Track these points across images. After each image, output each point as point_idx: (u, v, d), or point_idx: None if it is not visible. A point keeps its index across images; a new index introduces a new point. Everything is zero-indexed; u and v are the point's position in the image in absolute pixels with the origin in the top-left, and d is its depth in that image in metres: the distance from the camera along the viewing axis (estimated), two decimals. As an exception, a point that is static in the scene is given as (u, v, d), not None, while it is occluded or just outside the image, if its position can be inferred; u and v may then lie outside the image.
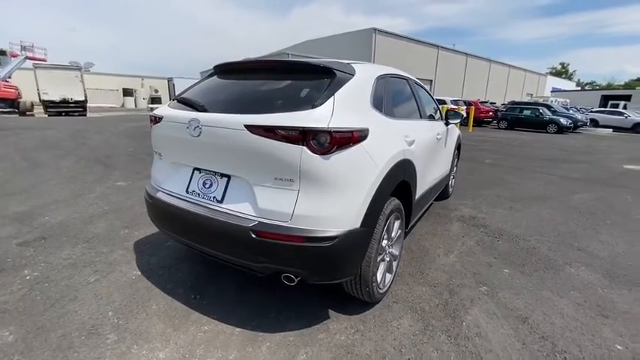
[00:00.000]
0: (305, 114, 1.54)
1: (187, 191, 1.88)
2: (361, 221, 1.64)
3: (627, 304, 2.19)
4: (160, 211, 2.01)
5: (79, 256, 2.54)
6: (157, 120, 2.02)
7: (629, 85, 54.71)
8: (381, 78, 2.16)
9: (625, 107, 25.66)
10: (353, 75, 1.87)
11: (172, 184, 1.98)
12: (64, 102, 17.77)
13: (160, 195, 1.98)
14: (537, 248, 3.01)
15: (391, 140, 1.95)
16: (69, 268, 2.38)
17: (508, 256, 2.84)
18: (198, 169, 1.88)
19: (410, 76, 2.90)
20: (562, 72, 72.61)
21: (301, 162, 1.50)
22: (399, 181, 2.00)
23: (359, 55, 30.58)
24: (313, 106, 1.59)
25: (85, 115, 18.44)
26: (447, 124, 3.52)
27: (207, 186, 1.82)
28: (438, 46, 37.22)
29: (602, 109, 24.01)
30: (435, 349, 1.73)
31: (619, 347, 1.79)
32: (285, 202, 1.56)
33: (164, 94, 35.55)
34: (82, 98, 18.37)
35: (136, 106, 34.97)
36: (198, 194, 1.83)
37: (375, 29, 31.49)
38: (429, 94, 3.41)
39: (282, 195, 1.57)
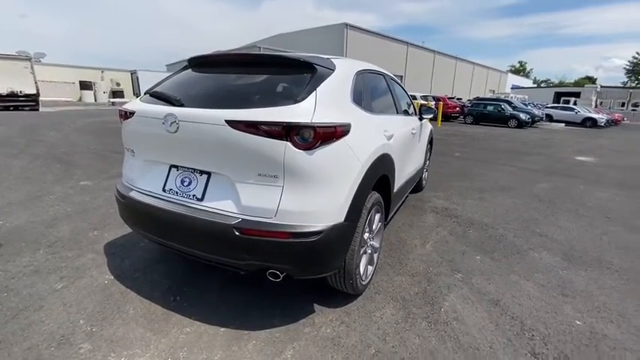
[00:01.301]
0: (288, 109, 1.53)
1: (164, 190, 1.80)
2: (345, 215, 1.66)
3: (584, 283, 2.39)
4: (133, 211, 1.91)
5: (42, 263, 2.37)
6: (127, 115, 1.92)
7: (577, 83, 59.05)
8: (359, 73, 2.18)
9: (575, 103, 27.76)
10: (333, 70, 1.88)
11: (147, 183, 1.89)
12: (12, 95, 16.28)
13: (134, 194, 1.89)
14: (504, 235, 3.21)
15: (372, 135, 1.99)
16: (31, 276, 2.20)
17: (479, 243, 3.00)
18: (176, 167, 1.81)
19: (386, 72, 2.95)
20: (520, 70, 77.02)
21: (285, 157, 1.49)
22: (380, 175, 2.05)
23: (331, 49, 30.61)
24: (295, 101, 1.58)
25: (37, 109, 17.03)
26: (420, 119, 3.63)
27: (185, 184, 1.75)
28: (408, 43, 38.10)
29: (556, 105, 25.81)
30: (417, 336, 1.80)
31: (578, 322, 1.95)
32: (269, 198, 1.54)
33: (127, 87, 33.60)
34: (33, 91, 16.92)
35: (95, 101, 32.80)
36: (177, 192, 1.76)
37: (346, 24, 31.61)
38: (404, 90, 3.49)
39: (266, 191, 1.55)
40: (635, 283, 2.40)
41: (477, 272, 2.50)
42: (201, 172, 1.73)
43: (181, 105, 1.70)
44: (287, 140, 1.48)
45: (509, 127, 17.75)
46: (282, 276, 1.65)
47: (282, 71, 1.86)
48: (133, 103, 1.98)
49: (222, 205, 1.63)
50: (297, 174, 1.52)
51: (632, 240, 3.18)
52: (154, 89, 2.00)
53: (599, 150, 9.97)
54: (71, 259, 2.43)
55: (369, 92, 2.28)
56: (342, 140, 1.63)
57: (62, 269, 2.30)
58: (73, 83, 33.01)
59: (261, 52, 1.97)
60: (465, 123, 19.32)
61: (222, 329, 1.79)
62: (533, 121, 19.00)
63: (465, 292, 2.23)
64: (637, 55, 44.90)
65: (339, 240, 1.68)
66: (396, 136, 2.39)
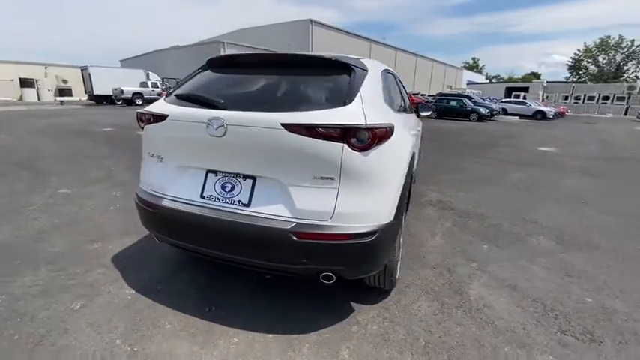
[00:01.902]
0: (342, 111, 1.54)
1: (203, 196, 1.72)
2: (394, 214, 1.70)
3: (582, 264, 2.65)
4: (168, 220, 1.80)
5: (49, 281, 2.16)
6: (156, 119, 1.80)
7: (525, 79, 64.03)
8: (383, 73, 2.22)
9: (524, 97, 30.03)
10: (367, 70, 1.90)
11: (180, 190, 1.79)
12: (-58, 95, 14.36)
13: (167, 203, 1.78)
14: (501, 224, 3.44)
15: (406, 135, 2.05)
16: (40, 297, 2.00)
17: (481, 233, 3.20)
18: (214, 172, 1.74)
19: (394, 71, 3.02)
20: (474, 66, 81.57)
21: (342, 160, 1.50)
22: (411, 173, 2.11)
23: (296, 45, 30.41)
24: (344, 103, 1.59)
25: (-26, 110, 15.17)
26: (418, 116, 3.75)
27: (227, 189, 1.69)
28: (371, 40, 38.87)
29: (510, 99, 27.79)
30: (457, 324, 1.90)
31: (589, 300, 2.17)
32: (325, 200, 1.54)
33: (76, 85, 31.03)
34: (-33, 90, 15.03)
35: (39, 99, 29.89)
36: (218, 199, 1.69)
37: (311, 20, 31.55)
38: (404, 87, 3.59)
39: (321, 194, 1.54)
40: (625, 261, 2.70)
41: (488, 260, 2.66)
42: (245, 177, 1.67)
43: (224, 108, 1.63)
44: (344, 142, 1.49)
45: (470, 120, 18.81)
46: (335, 278, 1.66)
47: (319, 72, 1.85)
48: (160, 106, 1.86)
49: (273, 209, 1.59)
50: (352, 175, 1.53)
51: (608, 222, 3.56)
52: (181, 91, 1.90)
53: (555, 140, 10.93)
54: (80, 276, 2.23)
55: (391, 91, 2.33)
56: (390, 140, 1.66)
57: (74, 287, 2.11)
58: (12, 80, 29.77)
59: (293, 52, 1.93)
60: (430, 117, 20.15)
61: (271, 335, 1.77)
62: (492, 114, 20.33)
63: (485, 279, 2.38)
64: (578, 52, 49.60)
65: (390, 238, 1.72)
66: (415, 135, 2.47)
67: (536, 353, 1.70)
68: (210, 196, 1.71)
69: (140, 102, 23.66)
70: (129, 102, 23.40)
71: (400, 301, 2.10)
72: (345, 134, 1.48)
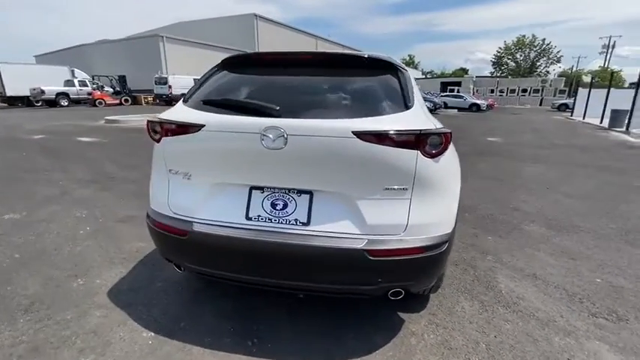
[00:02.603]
0: (410, 115, 1.44)
1: (249, 217, 1.49)
2: (455, 221, 1.65)
3: (577, 246, 2.90)
4: (204, 247, 1.53)
5: (35, 335, 1.72)
6: (183, 129, 1.51)
7: (455, 74, 69.67)
8: (409, 73, 2.16)
9: (458, 91, 32.73)
10: (407, 71, 1.81)
11: (218, 212, 1.53)
12: None
13: (201, 227, 1.51)
14: (493, 214, 3.64)
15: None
16: (30, 357, 1.59)
17: (480, 224, 3.34)
18: (259, 188, 1.52)
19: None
20: (410, 63, 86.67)
21: (417, 167, 1.40)
22: None
23: (241, 41, 29.38)
24: (407, 107, 1.49)
25: None
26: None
27: (279, 207, 1.49)
28: (317, 37, 39.05)
29: (448, 93, 30.02)
30: (505, 321, 1.93)
31: (598, 280, 2.37)
32: (397, 213, 1.43)
33: (-23, 84, 26.25)
34: None
35: None
36: (269, 219, 1.48)
37: (256, 15, 30.67)
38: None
39: (393, 206, 1.43)
40: (607, 240, 3.02)
41: (499, 251, 2.78)
42: (300, 192, 1.49)
43: (279, 115, 1.42)
44: (417, 149, 1.39)
45: (418, 114, 19.94)
46: (404, 293, 1.56)
47: (363, 72, 1.71)
48: (188, 114, 1.55)
49: (339, 227, 1.44)
50: (425, 184, 1.44)
51: (576, 205, 3.97)
52: (213, 96, 1.62)
53: (496, 131, 12.05)
54: (75, 323, 1.83)
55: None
56: (451, 145, 1.60)
57: (73, 338, 1.71)
58: None
59: (329, 51, 1.75)
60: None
61: (333, 363, 1.61)
62: (435, 108, 21.78)
63: (505, 271, 2.47)
64: (499, 50, 55.45)
65: (452, 246, 1.67)
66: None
67: (583, 340, 1.79)
68: (259, 216, 1.49)
69: (66, 103, 20.88)
70: (52, 103, 20.49)
71: (443, 305, 2.07)
72: (419, 140, 1.38)
